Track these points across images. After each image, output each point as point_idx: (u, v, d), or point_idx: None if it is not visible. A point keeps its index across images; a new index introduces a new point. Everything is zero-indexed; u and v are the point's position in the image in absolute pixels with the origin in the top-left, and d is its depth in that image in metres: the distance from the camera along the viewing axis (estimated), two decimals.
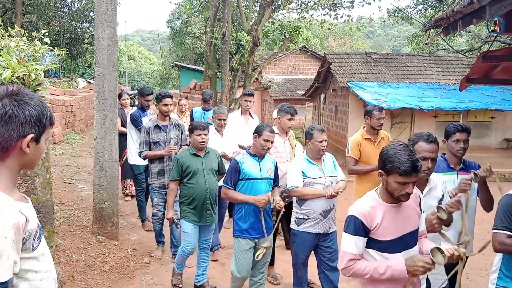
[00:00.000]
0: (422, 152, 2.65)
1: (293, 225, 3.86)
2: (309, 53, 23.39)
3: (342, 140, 15.81)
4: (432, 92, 14.55)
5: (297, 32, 11.89)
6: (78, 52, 20.35)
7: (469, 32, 18.08)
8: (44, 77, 3.41)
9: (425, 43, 15.61)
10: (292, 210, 3.90)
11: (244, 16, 12.98)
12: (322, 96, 17.53)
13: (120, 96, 6.78)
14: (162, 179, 4.75)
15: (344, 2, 13.85)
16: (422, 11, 18.06)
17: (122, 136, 6.36)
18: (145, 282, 4.39)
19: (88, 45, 19.39)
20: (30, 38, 3.67)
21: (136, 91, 24.69)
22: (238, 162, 3.66)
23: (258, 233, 3.70)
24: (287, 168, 4.17)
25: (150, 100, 5.90)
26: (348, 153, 4.49)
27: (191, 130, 4.03)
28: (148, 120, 6.13)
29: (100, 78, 4.87)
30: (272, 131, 3.67)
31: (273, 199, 3.56)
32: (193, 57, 26.68)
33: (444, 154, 3.32)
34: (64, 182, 7.55)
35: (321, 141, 3.71)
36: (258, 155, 3.72)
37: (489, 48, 3.94)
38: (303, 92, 19.74)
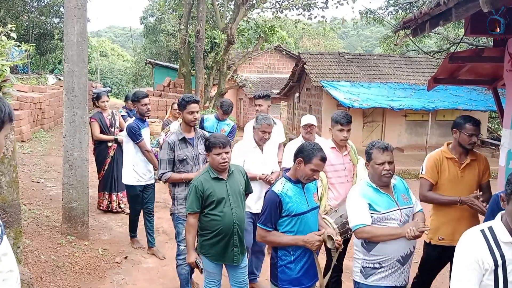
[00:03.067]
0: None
1: (358, 277, 2.90)
2: (284, 53, 23.54)
3: None
4: (403, 92, 14.91)
5: (272, 31, 11.95)
6: (47, 48, 19.77)
7: (438, 33, 18.59)
8: (11, 73, 3.31)
9: (394, 44, 15.98)
10: (354, 257, 2.99)
11: (218, 14, 12.94)
12: (297, 95, 17.68)
13: (98, 97, 5.97)
14: None
15: (318, 2, 14.02)
16: (393, 13, 18.44)
17: (102, 144, 6.00)
18: (116, 282, 4.33)
19: (58, 41, 18.87)
20: None
21: (109, 88, 24.07)
22: (278, 196, 2.75)
23: (311, 279, 2.92)
24: (346, 192, 3.23)
25: (148, 104, 4.82)
26: (422, 173, 3.38)
27: (209, 147, 3.14)
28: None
29: (69, 75, 4.76)
30: (325, 159, 2.77)
31: (329, 237, 2.82)
32: (167, 54, 26.39)
33: None
34: (33, 181, 7.33)
35: (383, 163, 2.77)
36: (301, 181, 2.83)
37: (456, 49, 4.08)
38: (278, 91, 19.85)
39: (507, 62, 3.48)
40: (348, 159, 3.77)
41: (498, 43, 3.73)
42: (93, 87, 20.96)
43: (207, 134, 3.84)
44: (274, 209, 2.76)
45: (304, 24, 13.05)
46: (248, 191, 3.41)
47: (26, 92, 11.87)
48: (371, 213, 2.77)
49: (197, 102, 3.78)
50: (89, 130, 5.41)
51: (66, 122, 4.87)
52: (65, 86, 4.83)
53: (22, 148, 9.56)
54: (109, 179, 6.12)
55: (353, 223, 2.82)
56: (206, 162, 3.69)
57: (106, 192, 6.20)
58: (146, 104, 4.77)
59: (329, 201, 3.67)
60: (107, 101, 6.04)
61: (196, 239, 3.27)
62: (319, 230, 2.88)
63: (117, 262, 4.70)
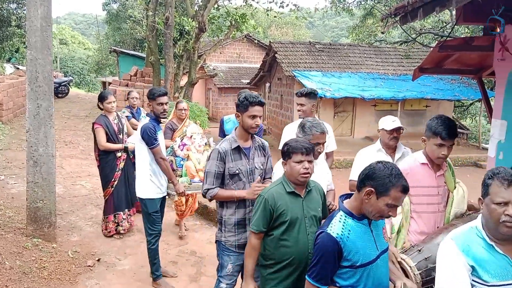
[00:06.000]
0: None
1: None
2: (254, 42, 23.25)
3: None
4: (373, 82, 15.06)
5: (243, 19, 11.64)
6: (4, 36, 18.51)
7: (405, 24, 18.83)
8: None
9: (382, 32, 16.04)
10: None
11: (188, 1, 12.49)
12: (268, 85, 17.51)
13: (103, 98, 4.98)
14: (244, 234, 2.96)
15: None
16: (362, 2, 18.54)
17: (109, 155, 4.99)
18: (89, 287, 4.02)
19: (16, 28, 17.74)
20: None
21: (70, 77, 22.96)
22: (337, 241, 2.00)
23: None
24: (436, 226, 2.67)
25: (166, 104, 4.01)
26: None
27: (287, 153, 2.51)
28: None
29: (33, 63, 4.34)
30: (407, 190, 1.98)
31: None
32: (132, 42, 25.46)
33: None
34: None
35: (506, 204, 1.79)
36: (369, 217, 2.09)
37: (446, 38, 4.00)
38: (248, 81, 19.61)
39: (498, 51, 3.41)
40: (443, 181, 2.81)
41: (487, 32, 3.66)
42: (54, 77, 19.95)
43: (266, 144, 3.18)
44: (331, 260, 2.00)
45: (276, 12, 12.81)
46: (325, 215, 2.65)
47: None
48: (473, 281, 1.80)
49: (262, 104, 2.96)
50: (54, 123, 4.96)
51: (29, 115, 4.45)
52: (28, 75, 4.40)
53: None
54: (123, 197, 5.12)
55: None
56: (265, 179, 3.08)
57: (120, 213, 5.16)
58: (163, 104, 3.97)
59: (410, 236, 2.82)
60: (114, 101, 5.03)
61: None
62: (390, 280, 2.14)
63: (89, 266, 4.38)
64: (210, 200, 3.03)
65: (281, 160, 2.59)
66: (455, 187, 2.81)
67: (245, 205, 2.94)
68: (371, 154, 3.35)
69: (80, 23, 67.92)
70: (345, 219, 2.06)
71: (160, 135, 4.08)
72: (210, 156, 2.99)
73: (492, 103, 3.89)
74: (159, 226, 4.07)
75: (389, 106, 15.23)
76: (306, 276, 2.11)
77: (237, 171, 2.92)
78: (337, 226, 2.03)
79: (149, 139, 3.89)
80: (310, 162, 2.47)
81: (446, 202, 2.81)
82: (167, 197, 4.34)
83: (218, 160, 2.90)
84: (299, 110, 3.91)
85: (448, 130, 2.63)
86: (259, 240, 2.55)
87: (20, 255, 4.19)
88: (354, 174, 3.30)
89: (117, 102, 5.34)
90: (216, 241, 3.11)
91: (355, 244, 2.01)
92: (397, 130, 3.35)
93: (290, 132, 3.89)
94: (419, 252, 2.47)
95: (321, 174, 3.06)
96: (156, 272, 4.08)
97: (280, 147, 3.44)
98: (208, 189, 2.93)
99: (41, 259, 4.23)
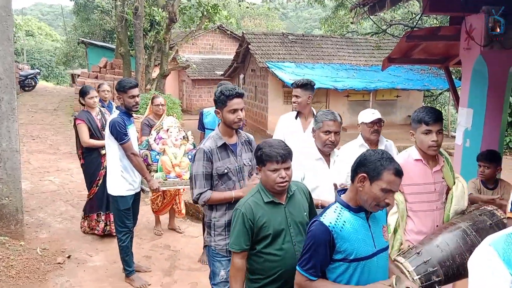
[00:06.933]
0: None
1: None
2: (227, 33, 23.05)
3: (262, 120, 15.94)
4: (345, 73, 15.22)
5: (215, 10, 11.50)
6: None
7: (375, 15, 19.13)
8: None
9: (351, 23, 16.19)
10: None
11: None
12: (242, 76, 17.44)
13: (84, 93, 4.76)
14: None
15: None
16: None
17: (93, 152, 4.75)
18: (60, 285, 3.91)
19: None
20: None
21: (37, 70, 22.16)
22: (329, 230, 1.88)
23: None
24: (434, 225, 2.56)
25: (137, 97, 3.79)
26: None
27: (261, 160, 2.25)
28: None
29: None
30: (400, 173, 1.87)
31: None
32: (101, 33, 24.78)
33: None
34: None
35: None
36: (366, 208, 1.94)
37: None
38: (222, 72, 19.46)
39: (464, 40, 3.49)
40: (441, 176, 2.62)
41: (454, 21, 3.73)
42: (20, 69, 19.21)
43: (252, 138, 2.94)
44: (322, 250, 1.88)
45: (248, 3, 12.71)
46: (313, 217, 2.27)
47: None
48: None
49: (241, 95, 2.75)
50: (17, 117, 4.77)
51: None
52: None
53: None
54: (106, 196, 4.68)
55: None
56: (252, 174, 2.85)
57: (102, 213, 4.85)
58: (134, 96, 3.74)
59: (407, 236, 2.66)
60: (96, 96, 4.82)
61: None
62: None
63: (59, 263, 4.26)
64: (203, 205, 2.78)
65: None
66: (454, 183, 2.64)
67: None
68: (353, 150, 3.14)
69: (48, 14, 65.60)
70: (340, 210, 1.94)
71: (131, 129, 3.87)
72: (194, 157, 2.73)
73: (459, 92, 3.99)
74: (130, 223, 3.92)
75: (361, 96, 15.45)
76: (296, 267, 1.99)
77: (225, 170, 2.70)
78: (331, 216, 1.92)
79: (118, 134, 3.69)
80: (287, 169, 2.22)
81: (445, 199, 2.65)
82: (142, 192, 4.20)
83: (204, 161, 2.66)
84: (294, 102, 3.69)
85: (431, 114, 2.49)
86: (243, 259, 2.26)
87: None
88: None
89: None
90: (205, 246, 2.90)
91: (349, 236, 1.88)
92: (378, 122, 3.20)
93: (284, 124, 3.80)
94: (417, 255, 2.30)
95: (337, 173, 2.76)
96: (128, 267, 3.99)
97: (275, 137, 3.18)
98: (201, 193, 2.66)
99: (8, 258, 4.09)
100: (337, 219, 1.90)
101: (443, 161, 2.63)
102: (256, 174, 2.76)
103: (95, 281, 4.04)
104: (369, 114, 3.24)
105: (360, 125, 3.28)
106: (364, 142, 3.29)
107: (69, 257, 4.42)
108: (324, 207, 2.13)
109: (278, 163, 2.18)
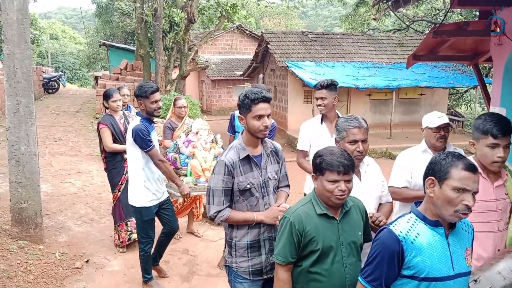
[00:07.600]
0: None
1: None
2: (246, 32, 22.98)
3: (282, 120, 15.79)
4: (367, 71, 14.91)
5: (234, 10, 11.41)
6: None
7: (397, 12, 18.72)
8: None
9: (373, 19, 15.89)
10: None
11: None
12: (261, 76, 17.33)
13: (108, 96, 4.61)
14: (258, 258, 2.50)
15: None
16: None
17: (116, 157, 4.61)
18: None
19: None
20: None
21: (61, 72, 22.58)
22: (399, 240, 1.68)
23: None
24: (497, 248, 2.30)
25: (159, 101, 3.63)
26: None
27: (320, 168, 2.04)
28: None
29: (10, 58, 4.15)
30: (474, 168, 1.68)
31: None
32: (122, 35, 25.12)
33: None
34: None
35: None
36: (441, 220, 1.73)
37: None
38: (241, 72, 19.39)
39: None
40: (504, 192, 2.30)
41: (483, 16, 3.51)
42: (43, 72, 19.62)
43: (279, 147, 2.64)
44: (389, 261, 1.67)
45: (267, 2, 12.59)
46: (367, 239, 2.19)
47: None
48: None
49: (268, 100, 2.46)
50: (35, 120, 4.77)
51: (9, 112, 4.27)
52: (6, 71, 4.21)
53: None
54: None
55: None
56: (279, 188, 2.62)
57: (132, 219, 4.61)
58: (157, 101, 3.59)
59: None
60: (119, 100, 4.62)
61: None
62: None
63: (77, 268, 4.23)
64: (219, 224, 2.58)
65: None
66: None
67: (259, 225, 2.46)
68: (415, 156, 2.81)
69: (71, 17, 67.15)
70: (414, 221, 1.73)
71: (154, 135, 3.70)
72: (214, 170, 2.45)
73: (489, 90, 3.77)
74: (152, 233, 3.79)
75: (384, 95, 15.12)
76: (359, 278, 1.80)
77: (248, 186, 2.41)
78: (403, 225, 1.71)
79: (143, 141, 3.50)
80: (348, 181, 2.00)
81: (509, 219, 2.31)
82: (170, 198, 4.02)
83: (225, 175, 2.38)
84: (319, 105, 3.42)
85: (500, 125, 2.18)
86: (288, 273, 2.07)
87: (4, 259, 4.03)
88: (395, 180, 2.80)
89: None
90: (226, 266, 2.63)
91: (422, 250, 1.65)
92: (445, 127, 2.76)
93: (308, 129, 3.58)
94: (475, 282, 2.05)
95: (370, 184, 2.51)
96: (147, 275, 3.91)
97: (299, 147, 3.07)
98: (218, 212, 2.40)
99: (26, 262, 4.08)
100: (409, 229, 1.70)
101: (507, 174, 2.31)
102: (278, 188, 2.60)
103: (113, 286, 3.99)
104: (435, 118, 2.80)
105: (425, 129, 2.87)
106: (427, 148, 2.87)
107: (87, 261, 4.39)
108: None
109: (339, 174, 1.97)
